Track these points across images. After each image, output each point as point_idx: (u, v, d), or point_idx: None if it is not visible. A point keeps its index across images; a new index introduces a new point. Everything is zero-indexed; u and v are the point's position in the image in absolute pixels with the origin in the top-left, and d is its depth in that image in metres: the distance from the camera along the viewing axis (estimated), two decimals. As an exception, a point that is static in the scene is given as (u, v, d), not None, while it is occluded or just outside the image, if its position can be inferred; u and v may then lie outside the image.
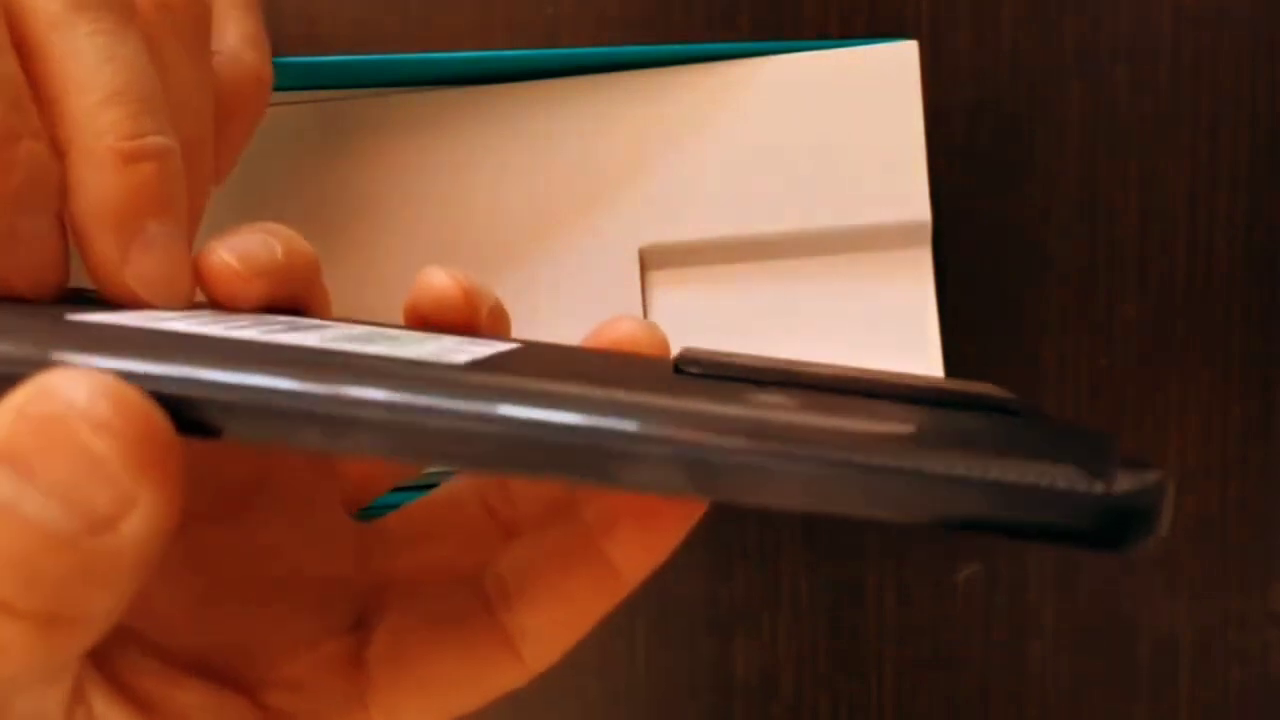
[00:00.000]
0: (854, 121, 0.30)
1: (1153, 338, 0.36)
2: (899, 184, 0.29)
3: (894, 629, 0.36)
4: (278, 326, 0.17)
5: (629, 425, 0.12)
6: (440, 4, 0.33)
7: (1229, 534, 0.37)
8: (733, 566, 0.36)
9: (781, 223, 0.30)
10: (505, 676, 0.20)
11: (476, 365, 0.15)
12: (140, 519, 0.12)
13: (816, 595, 0.36)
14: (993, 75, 0.35)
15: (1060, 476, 0.13)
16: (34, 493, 0.11)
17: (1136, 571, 0.37)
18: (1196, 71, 0.36)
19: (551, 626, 0.20)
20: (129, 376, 0.12)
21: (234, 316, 0.18)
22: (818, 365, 0.19)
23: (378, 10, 0.33)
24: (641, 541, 0.19)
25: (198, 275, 0.18)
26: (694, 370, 0.17)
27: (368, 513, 0.24)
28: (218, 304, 0.18)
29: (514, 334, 0.22)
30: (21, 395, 0.11)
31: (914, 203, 0.29)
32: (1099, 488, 0.13)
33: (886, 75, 0.29)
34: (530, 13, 0.34)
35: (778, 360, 0.19)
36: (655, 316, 0.30)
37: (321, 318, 0.20)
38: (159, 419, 0.12)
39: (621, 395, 0.13)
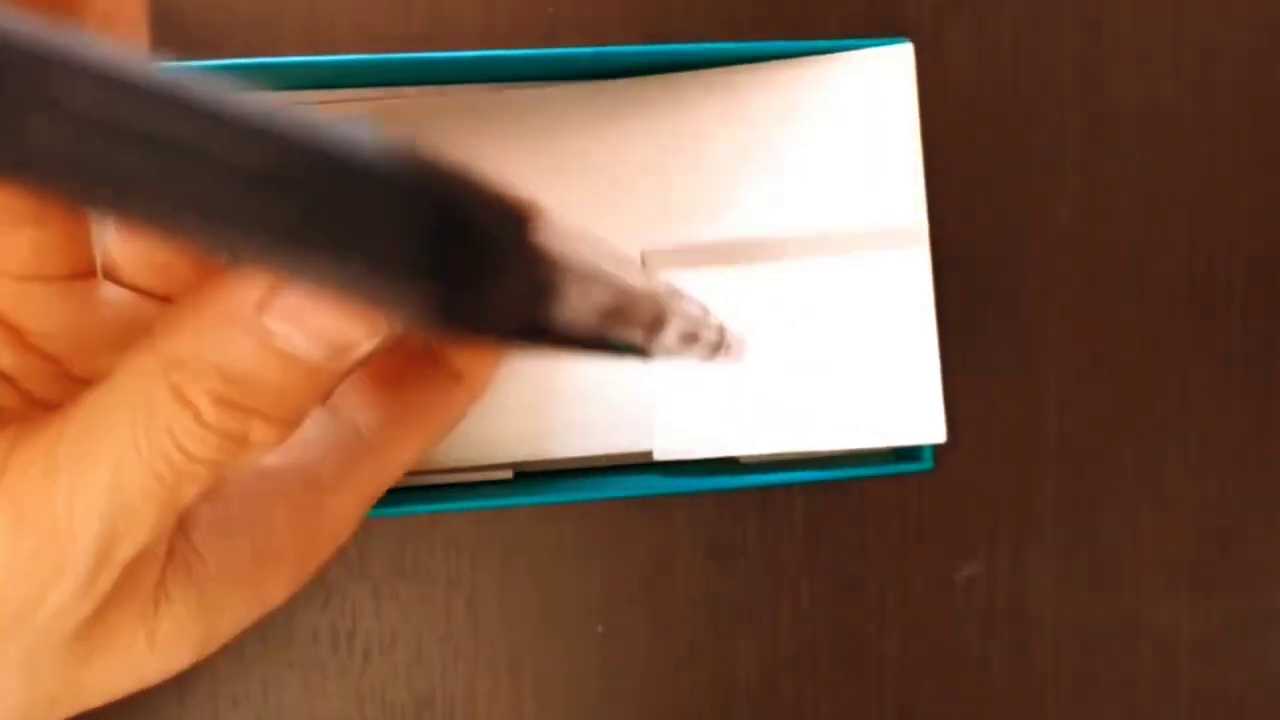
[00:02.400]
0: (850, 125, 0.30)
1: (1153, 338, 0.37)
2: (895, 186, 0.29)
3: (894, 629, 0.36)
4: None
5: None
6: (441, 4, 0.33)
7: (1229, 534, 0.37)
8: (733, 566, 0.36)
9: (780, 226, 0.30)
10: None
11: None
12: (373, 340, 0.15)
13: (816, 595, 0.36)
14: (993, 75, 0.35)
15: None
16: (302, 337, 0.15)
17: (1137, 571, 0.37)
18: (1197, 72, 0.36)
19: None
20: None
21: None
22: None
23: (378, 10, 0.33)
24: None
25: None
26: None
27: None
28: None
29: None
30: None
31: (910, 205, 0.29)
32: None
33: (882, 78, 0.29)
34: (530, 13, 0.34)
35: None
36: (655, 317, 0.30)
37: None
38: None
39: None
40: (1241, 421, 0.37)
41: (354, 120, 0.10)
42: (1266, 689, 0.38)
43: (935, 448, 0.30)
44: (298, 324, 0.15)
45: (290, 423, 0.16)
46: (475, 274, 0.10)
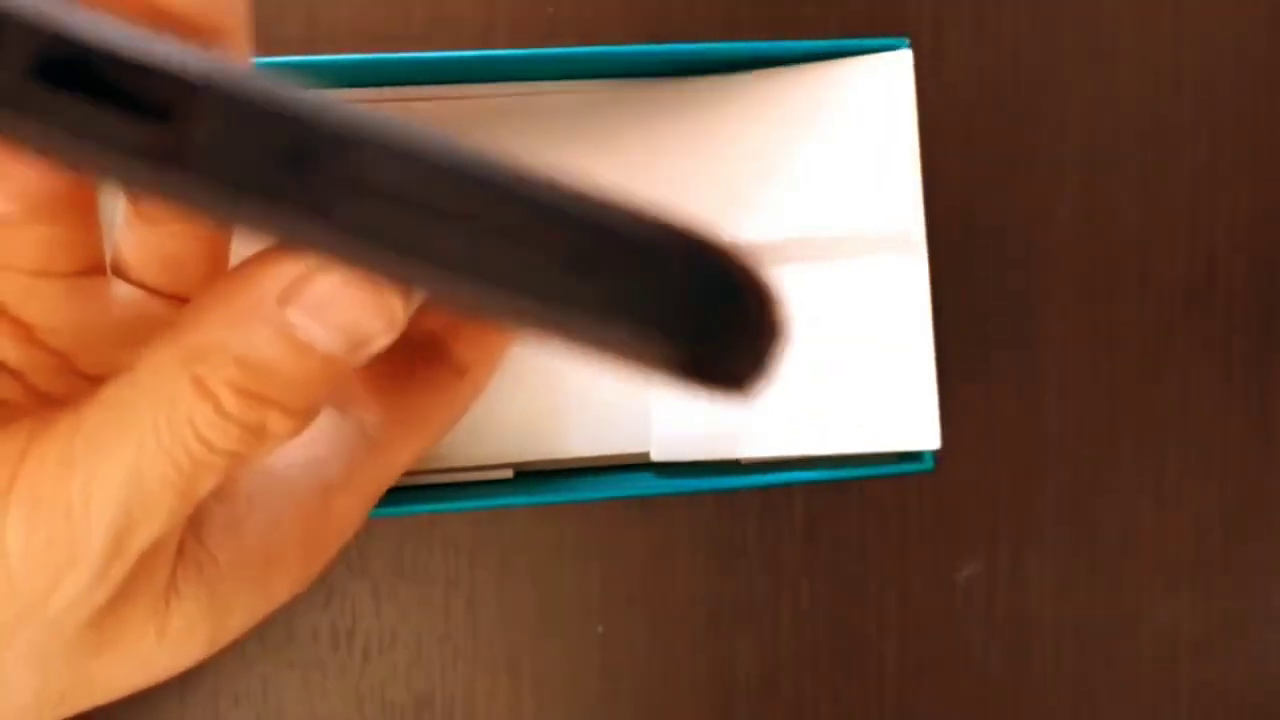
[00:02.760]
0: (849, 129, 0.30)
1: (1153, 338, 0.36)
2: (894, 192, 0.29)
3: (894, 629, 0.36)
4: None
5: None
6: (441, 4, 0.33)
7: (1229, 534, 0.37)
8: (733, 566, 0.36)
9: (778, 230, 0.30)
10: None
11: None
12: (390, 333, 0.15)
13: (816, 595, 0.36)
14: (993, 75, 0.35)
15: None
16: (321, 329, 0.15)
17: (1137, 571, 0.37)
18: (1196, 72, 0.36)
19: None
20: None
21: None
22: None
23: (378, 10, 0.33)
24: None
25: None
26: None
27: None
28: None
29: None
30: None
31: (909, 211, 0.29)
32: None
33: (881, 83, 0.29)
34: (530, 13, 0.34)
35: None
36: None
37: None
38: None
39: None
40: (1241, 421, 0.37)
41: (637, 199, 0.11)
42: (1266, 689, 0.38)
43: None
44: (318, 317, 0.15)
45: (307, 414, 0.16)
46: (737, 336, 0.12)
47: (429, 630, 0.35)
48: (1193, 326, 0.37)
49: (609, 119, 0.30)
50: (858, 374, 0.30)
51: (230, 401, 0.15)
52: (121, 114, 0.11)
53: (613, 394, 0.31)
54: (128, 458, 0.16)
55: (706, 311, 0.11)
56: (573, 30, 0.34)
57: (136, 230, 0.18)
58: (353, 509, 0.20)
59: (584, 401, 0.31)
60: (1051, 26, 0.36)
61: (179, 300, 0.19)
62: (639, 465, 0.31)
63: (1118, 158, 0.36)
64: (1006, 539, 0.36)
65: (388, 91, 0.30)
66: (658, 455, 0.30)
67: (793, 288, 0.30)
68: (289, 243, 0.12)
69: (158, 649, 0.18)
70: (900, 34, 0.33)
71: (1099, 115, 0.36)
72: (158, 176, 0.11)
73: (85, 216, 0.17)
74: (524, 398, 0.31)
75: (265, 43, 0.33)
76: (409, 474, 0.28)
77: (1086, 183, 0.36)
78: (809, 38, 0.34)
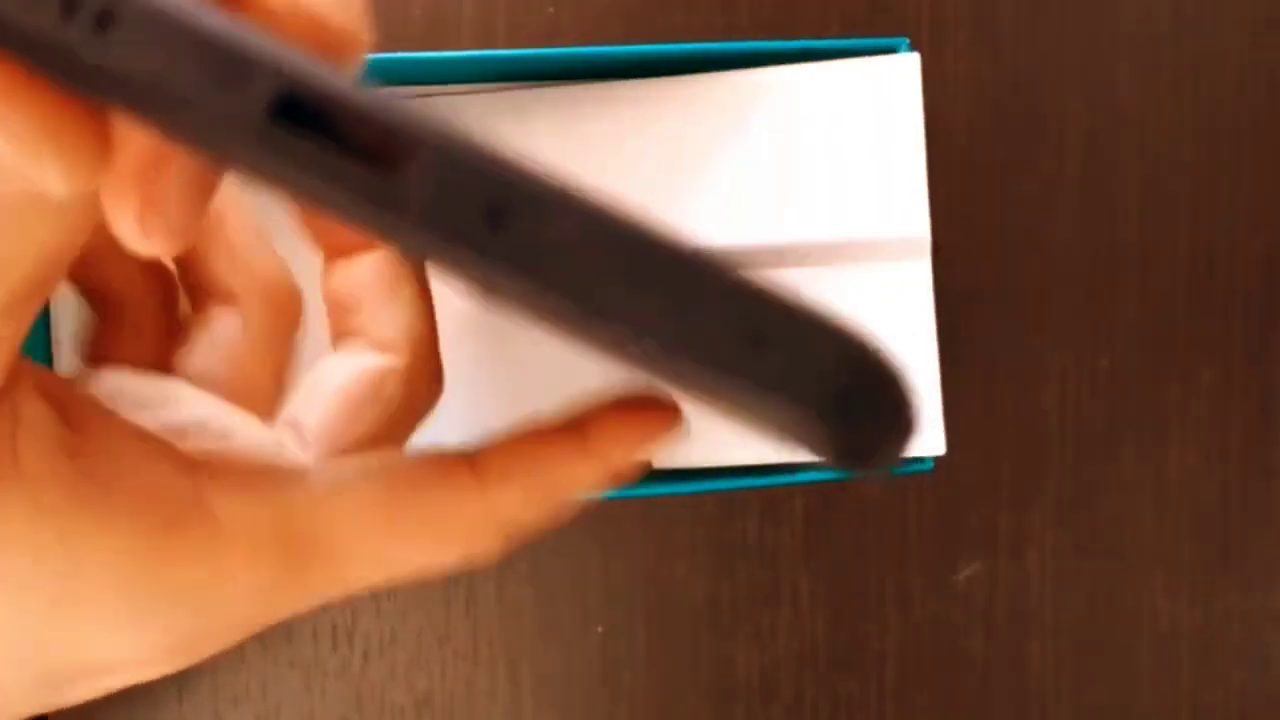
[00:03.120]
0: (855, 134, 0.30)
1: (1153, 338, 0.37)
2: (899, 197, 0.29)
3: (894, 629, 0.36)
4: None
5: None
6: (441, 4, 0.33)
7: (1229, 534, 0.37)
8: (733, 566, 0.36)
9: (782, 234, 0.30)
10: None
11: None
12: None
13: (816, 595, 0.36)
14: (993, 76, 0.36)
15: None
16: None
17: (1137, 571, 0.37)
18: (1196, 71, 0.36)
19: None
20: None
21: None
22: None
23: (378, 10, 0.33)
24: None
25: None
26: None
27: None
28: None
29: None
30: None
31: (913, 216, 0.29)
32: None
33: (888, 88, 0.29)
34: (530, 13, 0.34)
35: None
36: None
37: None
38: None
39: None
40: (1241, 421, 0.37)
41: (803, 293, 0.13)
42: (1266, 689, 0.38)
43: (935, 447, 0.30)
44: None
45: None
46: (883, 432, 0.13)
47: (429, 630, 0.35)
48: (1193, 326, 0.37)
49: (608, 119, 0.30)
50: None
51: None
52: (348, 157, 0.13)
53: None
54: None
55: (865, 405, 0.13)
56: (573, 30, 0.34)
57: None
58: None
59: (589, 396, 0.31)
60: (1051, 27, 0.36)
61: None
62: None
63: (1118, 158, 0.36)
64: (1006, 539, 0.36)
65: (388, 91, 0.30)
66: (659, 461, 0.30)
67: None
68: (487, 290, 0.13)
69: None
70: (900, 34, 0.33)
71: (1099, 115, 0.36)
72: (377, 218, 0.13)
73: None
74: (524, 401, 0.31)
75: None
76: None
77: (1086, 183, 0.36)
78: (809, 38, 0.34)
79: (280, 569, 0.18)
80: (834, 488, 0.36)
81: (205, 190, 0.15)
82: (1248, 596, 0.37)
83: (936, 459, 0.30)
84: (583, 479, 0.19)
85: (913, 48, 0.29)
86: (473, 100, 0.30)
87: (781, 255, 0.30)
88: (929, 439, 0.29)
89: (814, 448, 0.14)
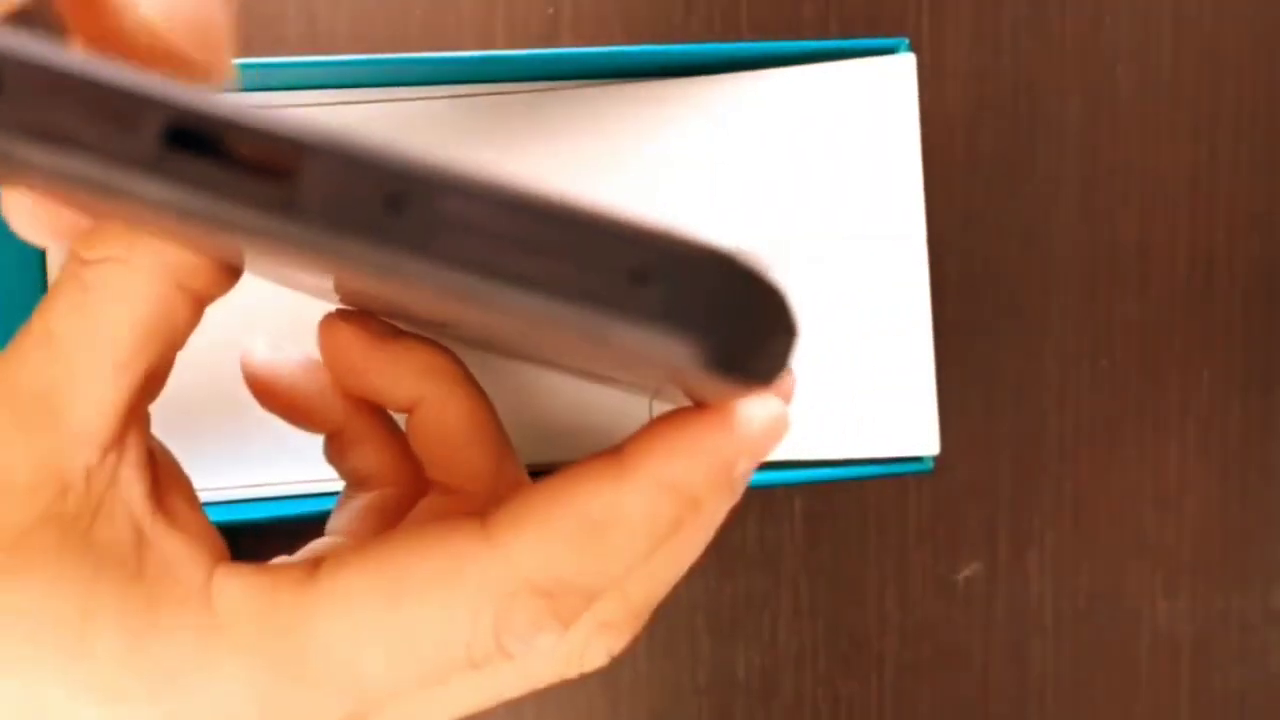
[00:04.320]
0: (850, 134, 0.30)
1: (1153, 338, 0.37)
2: (895, 198, 0.29)
3: (894, 629, 0.36)
4: None
5: None
6: (440, 4, 0.33)
7: (1229, 534, 0.37)
8: (733, 566, 0.36)
9: (778, 234, 0.30)
10: None
11: None
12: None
13: (816, 595, 0.36)
14: (993, 76, 0.35)
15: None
16: None
17: (1137, 571, 0.37)
18: (1197, 71, 0.36)
19: None
20: None
21: None
22: None
23: (378, 10, 0.33)
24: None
25: None
26: None
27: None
28: None
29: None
30: None
31: (909, 218, 0.29)
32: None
33: (883, 88, 0.29)
34: (530, 13, 0.34)
35: None
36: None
37: None
38: None
39: None
40: (1241, 421, 0.37)
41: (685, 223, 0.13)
42: (1266, 689, 0.38)
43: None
44: None
45: None
46: (763, 335, 0.14)
47: (429, 630, 0.35)
48: (1193, 326, 0.37)
49: (608, 119, 0.30)
50: (857, 378, 0.30)
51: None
52: (246, 174, 0.13)
53: (615, 399, 0.31)
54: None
55: (738, 315, 0.14)
56: (573, 30, 0.34)
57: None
58: None
59: (586, 406, 0.31)
60: (1051, 26, 0.36)
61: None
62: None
63: (1118, 158, 0.36)
64: (1006, 539, 0.36)
65: (389, 92, 0.30)
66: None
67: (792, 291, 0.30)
68: (389, 275, 0.14)
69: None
70: (900, 34, 0.33)
71: (1099, 115, 0.36)
72: (276, 225, 0.13)
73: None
74: (526, 403, 0.31)
75: (265, 42, 0.33)
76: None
77: (1086, 183, 0.36)
78: (809, 38, 0.34)
79: (270, 665, 0.17)
80: (834, 488, 0.36)
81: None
82: (1248, 596, 0.37)
83: (936, 459, 0.30)
84: (628, 509, 0.17)
85: (913, 48, 0.29)
86: (472, 101, 0.30)
87: (777, 256, 0.30)
88: (925, 439, 0.29)
89: (706, 366, 0.14)
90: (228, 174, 0.13)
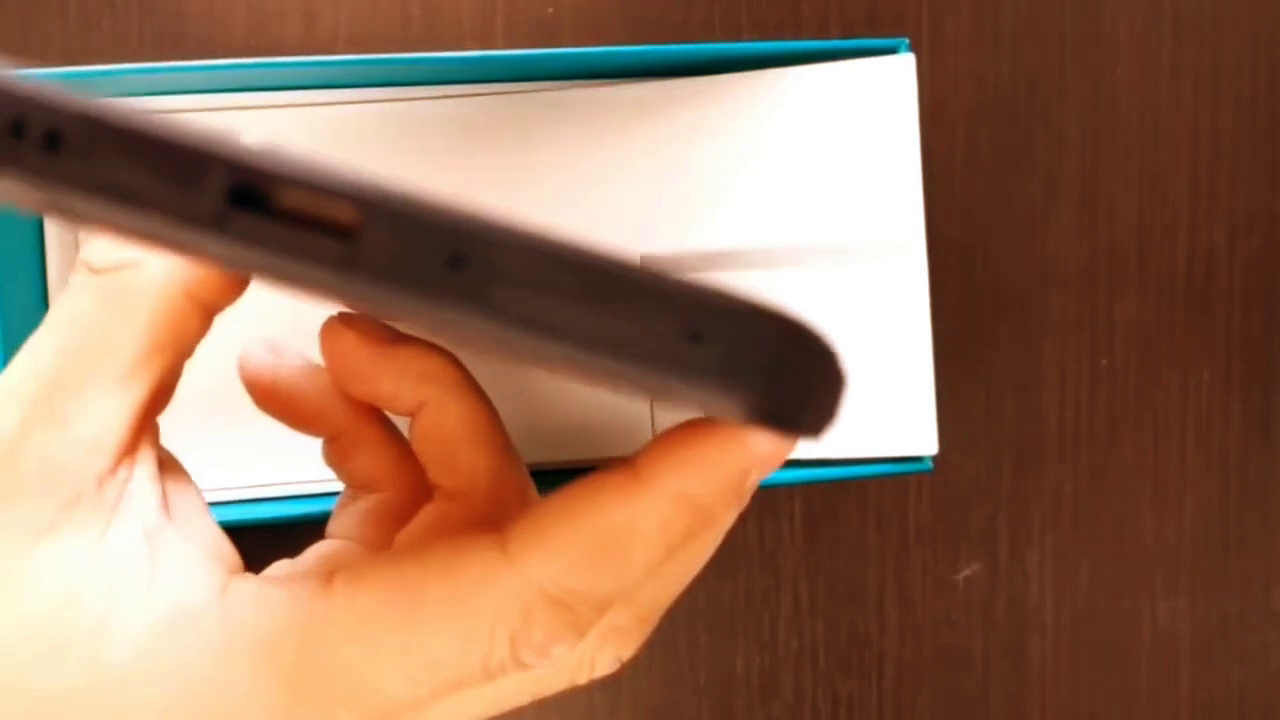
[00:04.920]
0: (849, 134, 0.30)
1: (1153, 338, 0.37)
2: (894, 198, 0.29)
3: (894, 629, 0.36)
4: None
5: None
6: (441, 4, 0.33)
7: (1229, 534, 0.37)
8: (733, 566, 0.36)
9: (778, 235, 0.30)
10: None
11: None
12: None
13: (816, 595, 0.36)
14: (993, 76, 0.35)
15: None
16: None
17: (1137, 571, 0.37)
18: (1197, 72, 0.36)
19: None
20: None
21: None
22: None
23: (377, 11, 0.33)
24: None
25: None
26: None
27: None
28: None
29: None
30: None
31: (909, 218, 0.29)
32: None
33: (883, 88, 0.29)
34: (530, 13, 0.34)
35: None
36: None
37: None
38: None
39: None
40: (1241, 421, 0.37)
41: (741, 287, 0.14)
42: (1266, 689, 0.38)
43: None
44: None
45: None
46: (815, 394, 0.15)
47: (429, 630, 0.35)
48: (1193, 326, 0.37)
49: (608, 119, 0.30)
50: (856, 378, 0.30)
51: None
52: (311, 231, 0.13)
53: (612, 400, 0.31)
54: None
55: (791, 373, 0.14)
56: (573, 30, 0.34)
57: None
58: None
59: (586, 407, 0.31)
60: (1051, 26, 0.36)
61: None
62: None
63: (1118, 158, 0.36)
64: (1006, 539, 0.36)
65: (388, 92, 0.30)
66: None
67: (790, 292, 0.30)
68: (450, 329, 0.14)
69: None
70: (900, 34, 0.33)
71: (1099, 115, 0.36)
72: (338, 281, 0.14)
73: None
74: (527, 404, 0.31)
75: (265, 42, 0.33)
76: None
77: (1086, 183, 0.36)
78: (809, 38, 0.34)
79: (285, 680, 0.17)
80: (834, 488, 0.36)
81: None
82: (1248, 596, 0.37)
83: (936, 459, 0.30)
84: (644, 522, 0.17)
85: (913, 48, 0.29)
86: (472, 101, 0.30)
87: (775, 256, 0.30)
88: (923, 439, 0.29)
89: (758, 419, 0.15)
90: (291, 232, 0.13)
